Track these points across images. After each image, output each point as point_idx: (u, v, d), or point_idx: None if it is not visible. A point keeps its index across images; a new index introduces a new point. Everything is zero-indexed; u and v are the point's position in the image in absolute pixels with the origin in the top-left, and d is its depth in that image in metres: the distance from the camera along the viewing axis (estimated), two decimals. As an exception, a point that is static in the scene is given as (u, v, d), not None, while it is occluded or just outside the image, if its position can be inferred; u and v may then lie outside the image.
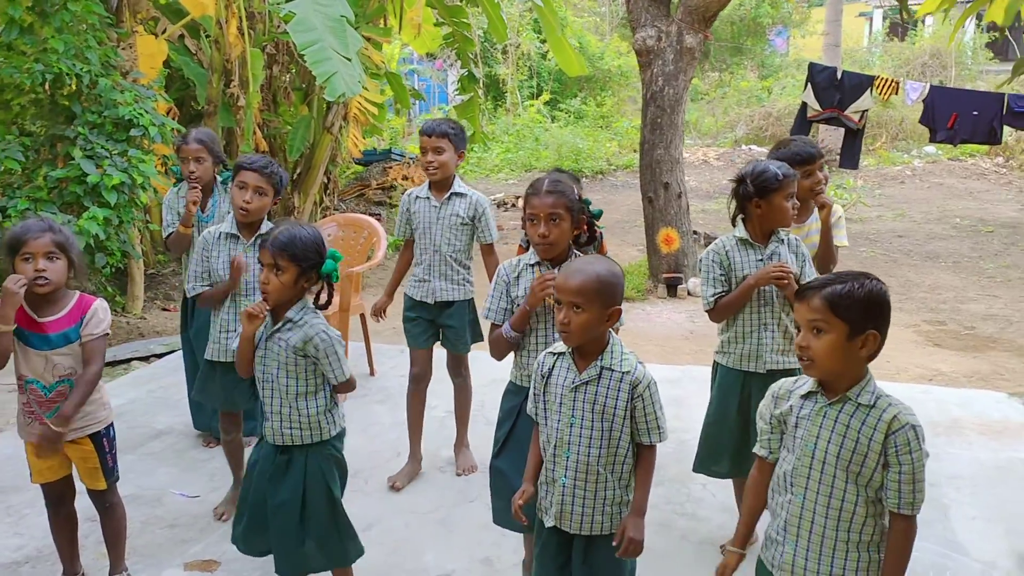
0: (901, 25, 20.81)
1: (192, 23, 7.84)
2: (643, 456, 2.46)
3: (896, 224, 11.61)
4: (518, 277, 2.99)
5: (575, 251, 2.97)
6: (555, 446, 2.46)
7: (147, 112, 5.92)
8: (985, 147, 12.77)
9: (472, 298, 4.10)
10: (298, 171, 9.60)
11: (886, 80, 8.61)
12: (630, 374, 2.39)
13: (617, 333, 4.07)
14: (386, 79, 10.15)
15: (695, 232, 8.70)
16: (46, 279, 2.81)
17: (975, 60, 19.72)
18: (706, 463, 3.48)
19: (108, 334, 2.99)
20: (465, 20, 10.08)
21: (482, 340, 4.06)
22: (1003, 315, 7.52)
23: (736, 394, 3.34)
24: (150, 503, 3.89)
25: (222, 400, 3.67)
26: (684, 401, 4.91)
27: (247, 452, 4.28)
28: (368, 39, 9.20)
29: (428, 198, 4.01)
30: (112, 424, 3.05)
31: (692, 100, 19.69)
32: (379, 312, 4.22)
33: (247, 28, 7.72)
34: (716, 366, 3.46)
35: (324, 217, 9.13)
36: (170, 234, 4.24)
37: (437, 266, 4.00)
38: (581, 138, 16.37)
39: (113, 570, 3.17)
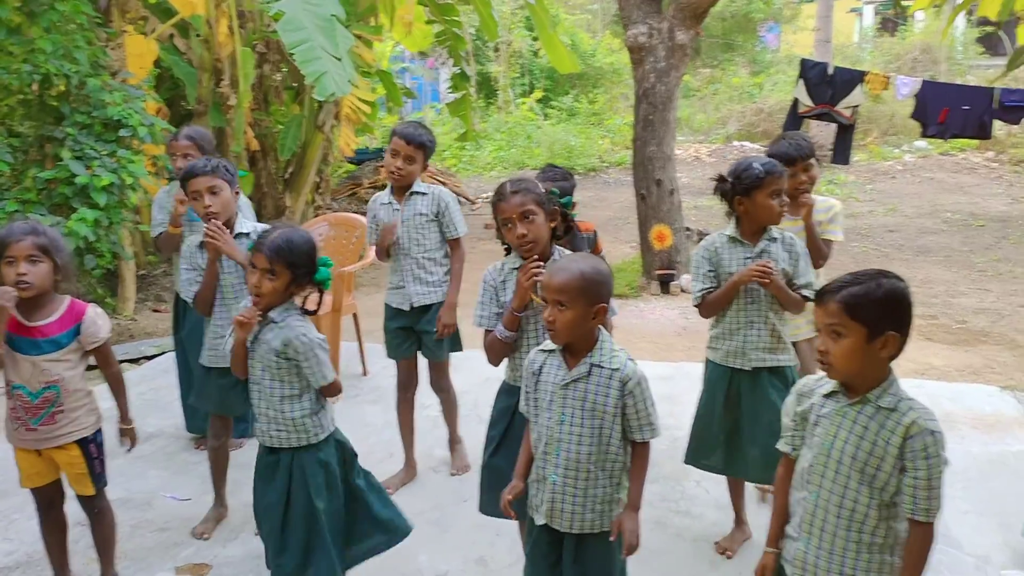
0: (891, 20, 20.85)
1: (182, 22, 7.79)
2: (636, 453, 2.46)
3: (887, 219, 11.62)
4: (504, 282, 2.96)
5: (556, 247, 2.95)
6: (546, 443, 2.45)
7: (136, 112, 5.89)
8: (975, 142, 12.79)
9: None
10: (290, 170, 9.58)
11: (877, 75, 8.61)
12: (620, 371, 2.38)
13: (611, 330, 4.09)
14: (377, 77, 10.13)
15: (688, 229, 8.69)
16: (27, 283, 2.79)
17: (965, 55, 19.75)
18: (697, 456, 3.49)
19: (110, 336, 3.02)
20: (456, 18, 10.06)
21: (460, 349, 4.05)
22: (994, 309, 7.53)
23: (723, 390, 3.35)
24: (140, 507, 3.87)
25: (218, 404, 3.63)
26: (677, 398, 4.90)
27: (239, 454, 4.31)
28: (359, 37, 9.17)
29: (390, 203, 3.94)
30: (100, 429, 3.03)
31: (684, 97, 19.66)
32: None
33: (237, 27, 7.68)
34: (707, 361, 3.46)
35: (316, 216, 9.10)
36: (160, 234, 4.22)
37: (410, 269, 3.91)
38: (573, 135, 16.37)
39: (104, 575, 3.15)
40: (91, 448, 2.99)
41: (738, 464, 3.37)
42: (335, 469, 2.86)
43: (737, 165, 3.28)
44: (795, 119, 8.90)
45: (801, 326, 3.82)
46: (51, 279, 2.87)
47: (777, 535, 2.32)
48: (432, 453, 4.32)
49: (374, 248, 4.05)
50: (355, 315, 5.49)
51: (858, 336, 2.01)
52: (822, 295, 2.08)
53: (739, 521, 3.57)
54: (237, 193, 3.49)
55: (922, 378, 5.68)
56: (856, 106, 8.65)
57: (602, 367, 2.39)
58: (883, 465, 2.02)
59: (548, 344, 2.49)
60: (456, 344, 4.05)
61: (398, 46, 14.80)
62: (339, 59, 5.69)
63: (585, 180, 14.93)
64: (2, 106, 5.80)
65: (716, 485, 3.85)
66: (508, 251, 2.98)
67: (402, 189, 3.93)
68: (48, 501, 3.07)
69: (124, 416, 3.07)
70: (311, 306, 2.84)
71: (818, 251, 3.71)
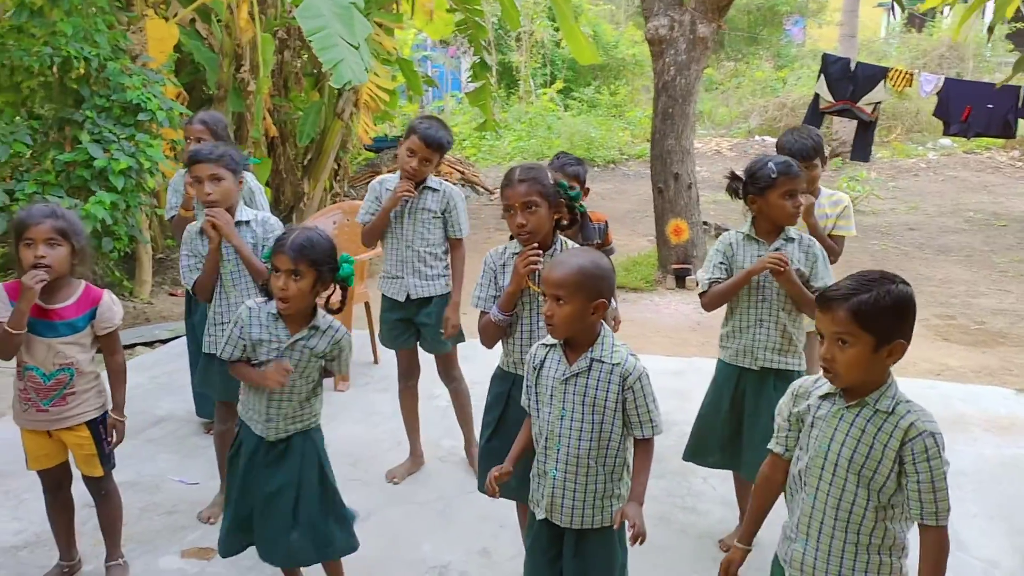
0: (918, 16, 20.59)
1: (203, 7, 7.81)
2: (640, 448, 2.45)
3: (909, 217, 11.51)
4: (504, 265, 2.97)
5: (561, 237, 2.94)
6: (546, 438, 2.45)
7: (155, 96, 5.92)
8: (1000, 140, 12.63)
9: (450, 291, 3.93)
10: (308, 157, 9.60)
11: (900, 72, 8.51)
12: (620, 366, 2.37)
13: (617, 323, 4.07)
14: (397, 65, 10.12)
15: (705, 223, 8.65)
16: (46, 265, 2.81)
17: (994, 52, 19.48)
18: (695, 453, 3.48)
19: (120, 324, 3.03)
20: (478, 7, 10.02)
21: (463, 340, 3.98)
22: (1014, 310, 7.44)
23: (730, 388, 3.32)
24: (149, 489, 3.90)
25: (221, 391, 3.65)
26: (688, 394, 4.86)
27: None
28: (380, 25, 9.18)
29: (395, 189, 3.82)
30: (109, 411, 3.05)
31: (706, 90, 19.57)
32: None
33: (258, 13, 7.69)
34: (719, 360, 3.44)
35: (333, 203, 9.12)
36: (173, 216, 4.25)
37: (410, 261, 3.86)
38: (594, 127, 16.30)
39: (109, 557, 3.18)
40: (100, 429, 3.02)
41: (736, 461, 3.35)
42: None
43: (753, 163, 3.25)
44: (816, 114, 8.81)
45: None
46: (69, 263, 2.89)
47: (752, 533, 2.31)
48: (439, 443, 4.32)
49: (362, 226, 3.93)
50: (367, 303, 5.50)
51: (866, 345, 1.97)
52: (828, 301, 2.02)
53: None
54: (241, 183, 3.47)
55: (937, 378, 5.64)
56: (878, 103, 8.56)
57: (603, 362, 2.38)
58: (880, 467, 1.99)
59: (550, 338, 2.48)
60: (459, 336, 4.03)
61: (420, 34, 14.79)
62: (356, 47, 5.68)
63: (604, 172, 14.88)
64: (23, 88, 5.83)
65: (723, 482, 3.83)
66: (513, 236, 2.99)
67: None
68: (55, 483, 3.10)
69: (118, 407, 3.06)
70: (335, 304, 2.85)
71: (828, 249, 3.67)
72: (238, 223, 3.40)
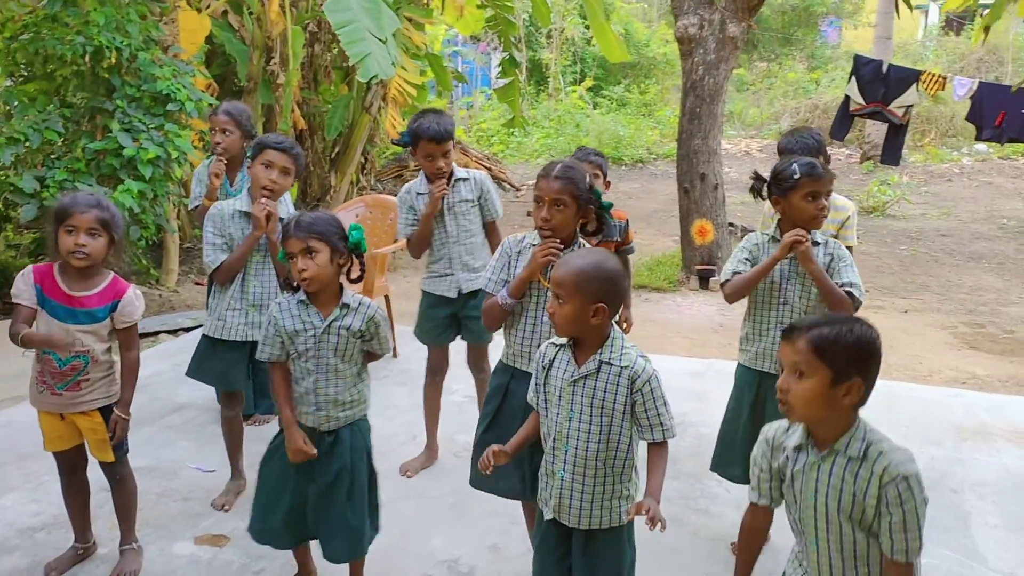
0: (957, 19, 20.28)
1: (235, -1, 7.89)
2: (653, 451, 2.42)
3: (940, 223, 11.35)
4: (520, 253, 2.97)
5: (581, 240, 2.93)
6: (554, 439, 2.44)
7: (185, 87, 5.98)
8: (1038, 147, 12.42)
9: None
10: (336, 150, 9.65)
11: (933, 75, 8.38)
12: (629, 368, 2.35)
13: (629, 325, 4.04)
14: (426, 61, 10.14)
15: (731, 224, 8.58)
16: (84, 253, 2.85)
17: (1035, 56, 19.14)
18: (720, 463, 3.43)
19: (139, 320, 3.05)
20: (508, 3, 10.03)
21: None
22: (1045, 320, 7.32)
23: (751, 394, 3.27)
24: (166, 476, 3.95)
25: (220, 378, 3.68)
26: (706, 395, 4.85)
27: (263, 429, 4.38)
28: (409, 20, 9.20)
29: (428, 192, 3.82)
30: (114, 407, 3.07)
31: (737, 90, 19.42)
32: None
33: (289, 6, 7.75)
34: (738, 365, 3.40)
35: (359, 196, 9.17)
36: (197, 206, 4.29)
37: (459, 256, 3.90)
38: (623, 125, 16.25)
39: (123, 540, 3.21)
40: (113, 416, 3.04)
41: None
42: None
43: (778, 164, 3.22)
44: (846, 117, 8.70)
45: None
46: (105, 254, 2.93)
47: None
48: (454, 438, 4.33)
49: (406, 241, 3.98)
50: (387, 297, 5.52)
51: (822, 378, 1.93)
52: (790, 331, 2.01)
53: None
54: (294, 185, 3.62)
55: (962, 387, 5.55)
56: (910, 106, 8.42)
57: (611, 364, 2.36)
58: (867, 511, 1.96)
59: (559, 338, 2.47)
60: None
61: (451, 30, 14.81)
62: (384, 41, 5.71)
63: (632, 171, 14.82)
64: (56, 76, 5.92)
65: (737, 485, 3.79)
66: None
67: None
68: (71, 465, 3.14)
69: (124, 404, 3.04)
70: (354, 274, 2.87)
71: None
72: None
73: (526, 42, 18.31)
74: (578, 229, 2.92)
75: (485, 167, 12.60)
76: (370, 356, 2.93)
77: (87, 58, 5.78)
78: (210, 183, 4.13)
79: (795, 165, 3.12)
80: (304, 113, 8.95)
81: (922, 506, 1.93)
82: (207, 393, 4.68)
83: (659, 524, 2.24)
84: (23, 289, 2.90)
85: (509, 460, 2.52)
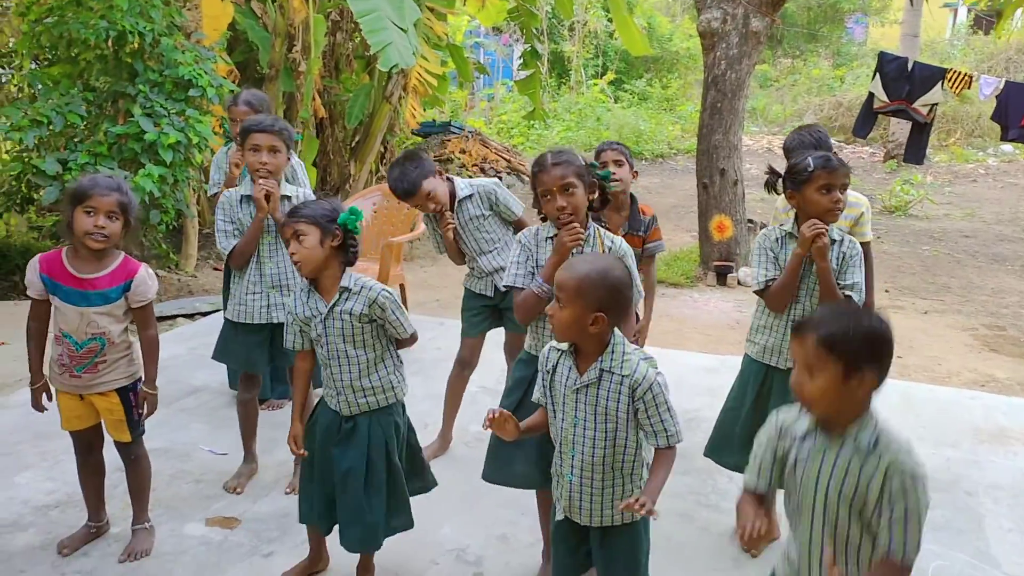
0: (985, 18, 20.03)
1: (258, -14, 7.91)
2: (658, 455, 2.37)
3: (964, 224, 11.23)
4: (537, 246, 2.96)
5: (595, 225, 2.93)
6: (561, 443, 2.43)
7: (206, 73, 6.01)
8: (1065, 148, 12.26)
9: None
10: (356, 139, 9.67)
11: (959, 74, 8.27)
12: (630, 377, 2.30)
13: (630, 333, 4.02)
14: (448, 51, 10.13)
15: (751, 221, 8.52)
16: (104, 236, 2.87)
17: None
18: (715, 450, 3.44)
19: (154, 299, 3.08)
20: (531, -6, 10.00)
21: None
22: (1067, 324, 7.23)
23: (756, 386, 3.27)
24: (180, 457, 3.98)
25: (243, 361, 3.72)
26: (719, 391, 4.75)
27: (277, 414, 4.40)
28: (431, 10, 9.19)
29: (443, 232, 3.91)
30: (141, 379, 3.11)
31: (761, 86, 19.29)
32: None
33: (311, -7, 7.77)
34: (744, 356, 3.39)
35: (377, 185, 9.18)
36: (216, 193, 4.31)
37: (488, 264, 3.94)
38: (643, 120, 16.19)
39: (136, 520, 3.24)
40: (130, 397, 3.07)
41: None
42: (403, 430, 2.98)
43: (794, 157, 3.21)
44: (869, 114, 8.61)
45: None
46: (119, 236, 2.94)
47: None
48: (467, 428, 4.33)
49: (445, 254, 4.06)
50: (402, 285, 5.53)
51: (834, 372, 1.92)
52: (799, 328, 2.00)
53: (768, 520, 3.49)
54: (289, 159, 3.59)
55: (981, 389, 5.50)
56: (934, 104, 8.31)
57: (613, 373, 2.31)
58: (868, 502, 1.94)
59: (560, 343, 2.44)
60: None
61: (473, 20, 14.78)
62: (405, 30, 5.71)
63: (652, 166, 14.77)
64: (80, 60, 5.96)
65: (749, 482, 3.78)
66: (544, 218, 2.97)
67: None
68: (87, 445, 3.17)
69: (150, 380, 3.09)
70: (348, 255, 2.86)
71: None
72: (281, 197, 3.51)
73: (548, 34, 18.26)
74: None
75: (504, 159, 12.58)
76: (398, 343, 2.92)
77: (110, 42, 5.82)
78: (229, 172, 4.15)
79: (809, 158, 3.10)
80: (325, 101, 8.96)
81: (924, 507, 1.91)
82: (222, 377, 4.72)
83: (650, 514, 2.22)
84: (33, 282, 2.94)
85: (514, 436, 2.45)
